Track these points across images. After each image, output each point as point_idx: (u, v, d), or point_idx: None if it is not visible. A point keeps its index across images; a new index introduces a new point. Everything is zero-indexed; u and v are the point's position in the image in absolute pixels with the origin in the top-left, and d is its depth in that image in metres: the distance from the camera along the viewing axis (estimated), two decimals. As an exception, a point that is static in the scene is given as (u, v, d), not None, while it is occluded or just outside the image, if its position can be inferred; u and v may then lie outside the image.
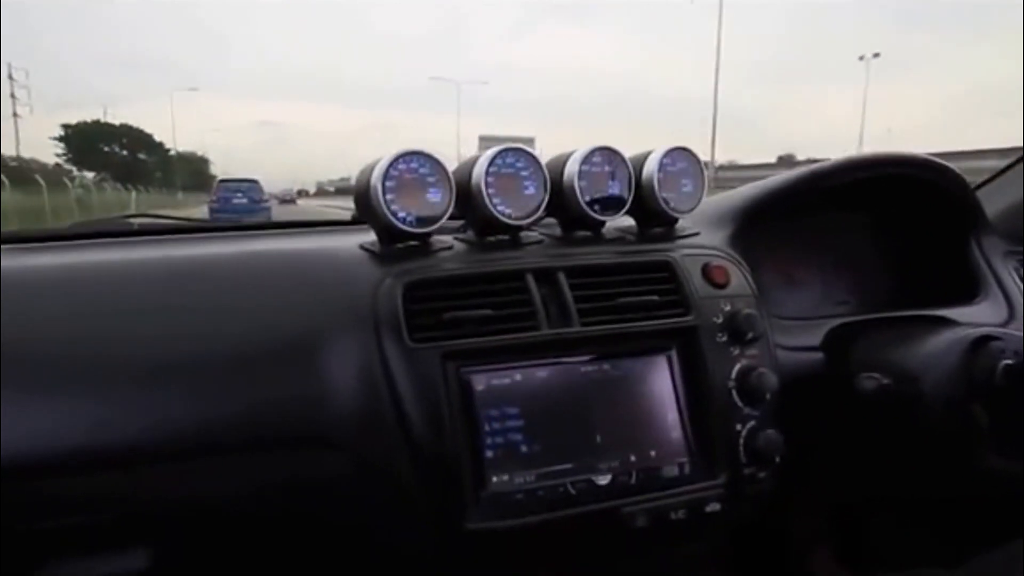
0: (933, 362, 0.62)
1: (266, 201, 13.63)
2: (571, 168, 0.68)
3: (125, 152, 42.72)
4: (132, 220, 0.85)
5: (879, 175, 0.83)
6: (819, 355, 0.71)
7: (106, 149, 41.28)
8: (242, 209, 12.48)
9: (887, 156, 0.83)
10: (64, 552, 0.52)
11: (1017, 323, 0.78)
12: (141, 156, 44.14)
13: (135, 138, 43.67)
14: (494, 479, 0.56)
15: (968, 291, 0.81)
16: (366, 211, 0.62)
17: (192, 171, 49.05)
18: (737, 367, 0.64)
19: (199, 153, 54.76)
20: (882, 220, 0.91)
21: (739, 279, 0.69)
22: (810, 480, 0.72)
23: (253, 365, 0.55)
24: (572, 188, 0.67)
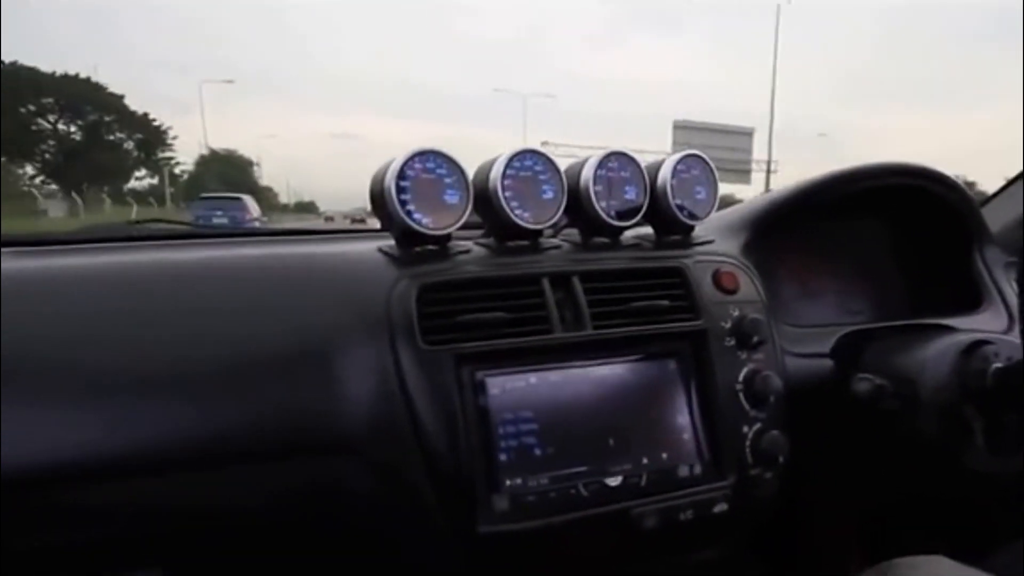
0: (929, 366, 0.64)
1: (251, 221, 11.90)
2: (587, 172, 0.68)
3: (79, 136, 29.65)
4: (143, 225, 0.83)
5: (889, 184, 0.84)
6: (828, 362, 0.72)
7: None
8: (223, 229, 11.76)
9: (897, 166, 0.85)
10: (76, 569, 0.51)
11: (1016, 331, 0.80)
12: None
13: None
14: (507, 482, 0.56)
15: (972, 301, 0.83)
16: (382, 213, 0.62)
17: (222, 175, 39.40)
18: (744, 370, 0.65)
19: (241, 153, 46.39)
20: (894, 231, 0.92)
21: (748, 286, 0.70)
22: (819, 483, 0.73)
23: (267, 370, 0.54)
24: (588, 192, 0.67)
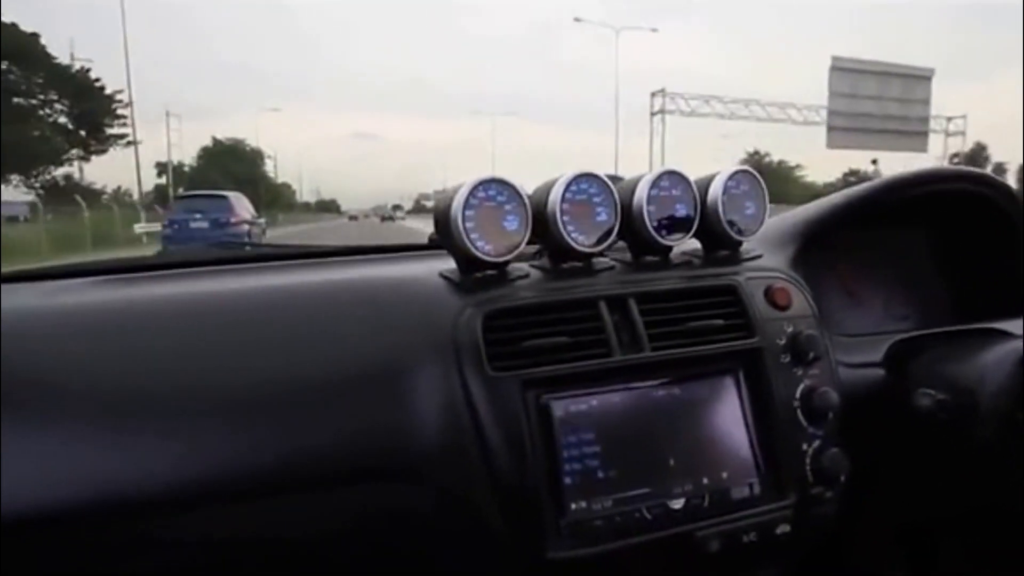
0: (987, 375, 0.63)
1: (238, 224, 10.29)
2: (640, 193, 0.68)
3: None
4: (218, 248, 0.85)
5: (934, 191, 0.84)
6: (880, 371, 0.72)
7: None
8: (201, 235, 9.49)
9: (941, 171, 0.85)
10: None
11: None
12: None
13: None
14: (572, 506, 0.57)
15: (1021, 303, 0.83)
16: (447, 240, 0.63)
17: (228, 169, 35.84)
18: (801, 387, 0.65)
19: (249, 143, 41.68)
20: (939, 234, 0.92)
21: (800, 300, 0.70)
22: (875, 500, 0.74)
23: (336, 397, 0.56)
24: (641, 213, 0.68)
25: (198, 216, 10.20)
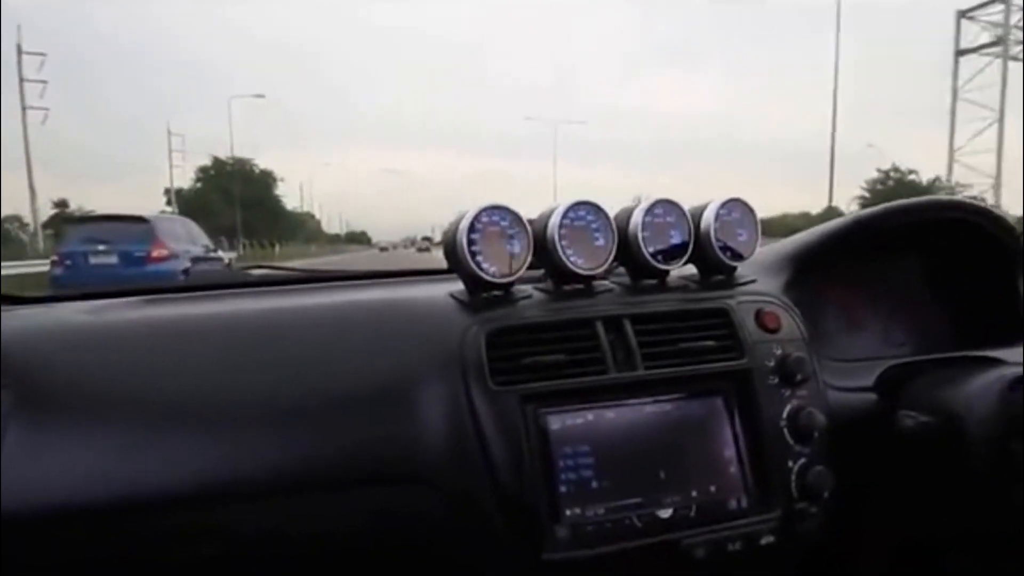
0: (975, 400, 0.65)
1: (162, 259, 7.29)
2: (636, 219, 0.73)
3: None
4: (249, 271, 0.93)
5: (929, 219, 0.87)
6: (872, 396, 0.75)
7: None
8: (105, 274, 7.00)
9: (937, 201, 0.87)
10: None
11: None
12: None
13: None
14: (567, 512, 0.61)
15: (1018, 332, 0.84)
16: (454, 262, 0.68)
17: (231, 192, 32.14)
18: (788, 407, 0.68)
19: (257, 163, 36.95)
20: (939, 262, 0.94)
21: (790, 324, 0.73)
22: (864, 518, 0.76)
23: (353, 408, 0.61)
24: (637, 239, 0.72)
25: (101, 248, 7.36)
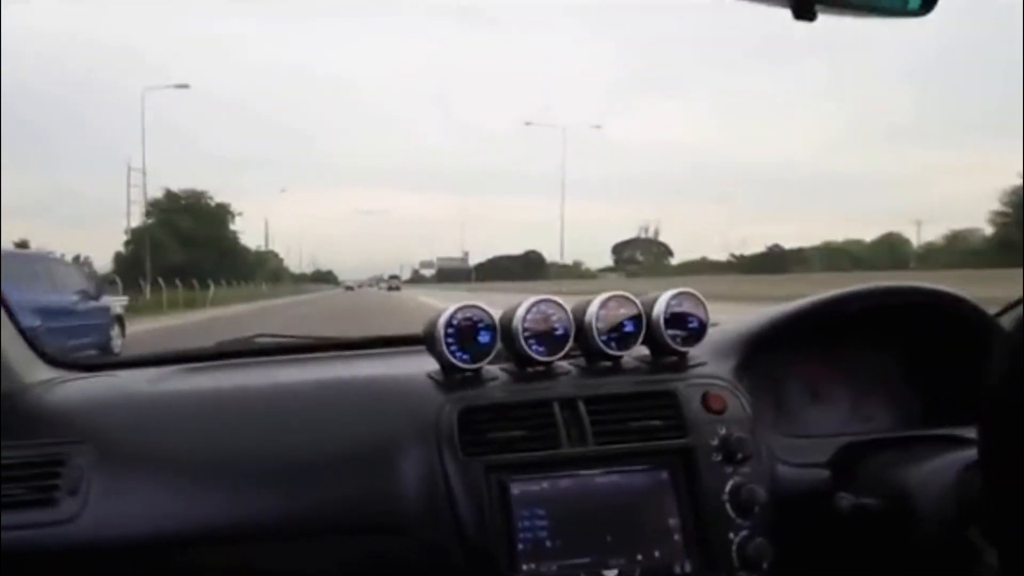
0: (928, 482, 0.66)
1: None
2: (591, 312, 0.85)
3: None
4: (258, 339, 1.15)
5: (885, 304, 0.91)
6: (826, 472, 0.79)
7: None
8: None
9: (892, 288, 0.92)
10: None
11: None
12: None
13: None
14: (524, 567, 0.71)
15: None
16: (432, 349, 0.82)
17: (183, 231, 30.79)
18: (731, 483, 0.75)
19: (212, 197, 35.13)
20: (905, 341, 0.96)
21: (736, 405, 0.81)
22: None
23: (346, 469, 0.75)
24: (591, 330, 0.84)
25: None
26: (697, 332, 0.87)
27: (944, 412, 0.88)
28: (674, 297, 0.87)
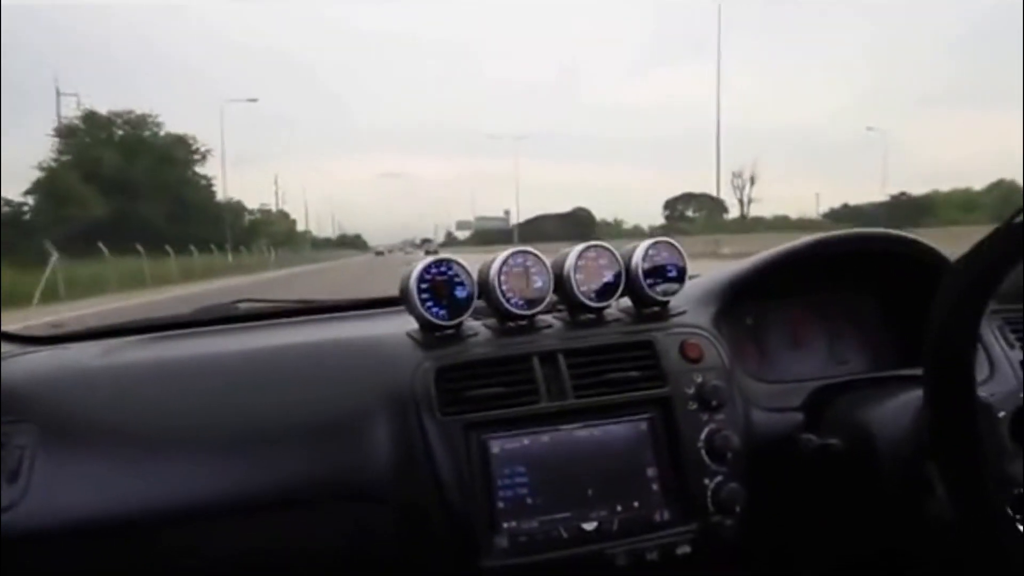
0: (888, 422, 0.70)
1: None
2: (569, 263, 0.82)
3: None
4: (240, 305, 1.06)
5: (850, 251, 0.92)
6: (799, 416, 0.81)
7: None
8: None
9: (865, 233, 0.92)
10: None
11: (998, 378, 0.85)
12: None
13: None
14: (504, 525, 0.70)
15: None
16: (409, 308, 0.78)
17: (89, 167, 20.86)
18: (706, 430, 0.76)
19: (160, 122, 24.91)
20: (876, 285, 0.98)
21: (712, 354, 0.81)
22: (785, 533, 0.82)
23: (317, 435, 0.71)
24: (570, 280, 0.81)
25: None
26: (677, 280, 0.86)
27: (915, 353, 0.89)
28: (652, 247, 0.86)
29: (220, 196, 30.20)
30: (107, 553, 0.67)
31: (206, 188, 28.48)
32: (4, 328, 0.90)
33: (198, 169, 28.02)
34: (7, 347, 0.87)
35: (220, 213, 28.28)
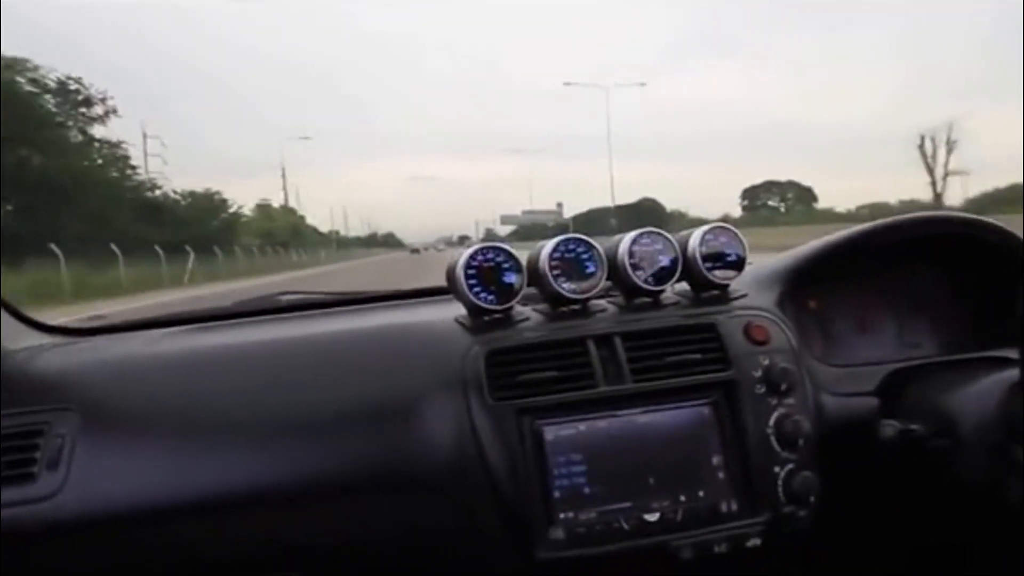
0: (972, 406, 0.65)
1: None
2: (622, 249, 0.80)
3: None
4: (282, 297, 1.08)
5: (921, 235, 0.87)
6: (873, 400, 0.76)
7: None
8: None
9: (925, 217, 0.87)
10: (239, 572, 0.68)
11: None
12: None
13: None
14: (561, 516, 0.67)
15: None
16: (456, 293, 0.77)
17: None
18: (775, 415, 0.71)
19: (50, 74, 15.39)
20: (949, 269, 0.93)
21: (779, 336, 0.77)
22: (860, 522, 0.76)
23: (369, 423, 0.70)
24: (624, 266, 0.79)
25: None
26: (736, 264, 0.82)
27: (991, 335, 0.86)
28: (709, 231, 0.83)
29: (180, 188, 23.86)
30: (146, 543, 0.66)
31: (112, 160, 18.02)
32: (48, 321, 0.94)
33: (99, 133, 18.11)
34: (50, 339, 0.90)
35: (101, 189, 18.08)
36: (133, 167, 21.02)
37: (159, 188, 22.29)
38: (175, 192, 23.93)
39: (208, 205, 24.99)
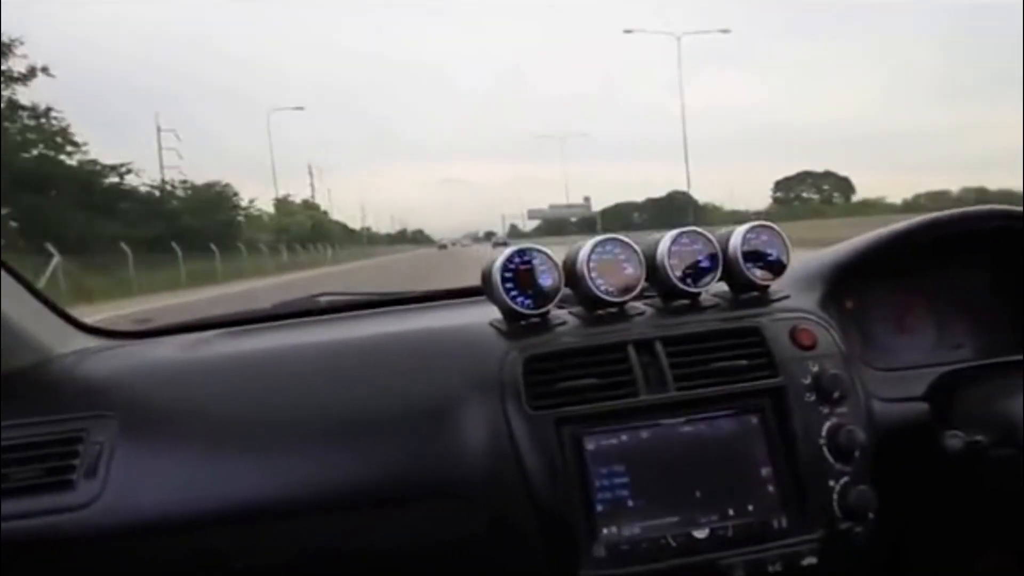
0: None
1: None
2: (662, 249, 0.77)
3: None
4: (320, 299, 1.05)
5: (964, 230, 0.83)
6: (923, 406, 0.72)
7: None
8: None
9: (968, 212, 0.84)
10: None
11: None
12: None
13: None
14: (604, 531, 0.64)
15: None
16: (491, 297, 0.74)
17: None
18: (827, 424, 0.68)
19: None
20: (993, 267, 0.90)
21: (826, 340, 0.73)
22: (921, 537, 0.73)
23: (396, 430, 0.67)
24: (664, 266, 0.76)
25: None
26: (777, 265, 0.79)
27: None
28: (751, 231, 0.79)
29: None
30: (181, 551, 0.64)
31: (46, 135, 15.62)
32: (89, 322, 0.92)
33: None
34: (93, 342, 0.88)
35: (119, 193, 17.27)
36: (77, 144, 16.24)
37: (131, 172, 18.29)
38: (165, 182, 21.99)
39: (210, 197, 22.72)
